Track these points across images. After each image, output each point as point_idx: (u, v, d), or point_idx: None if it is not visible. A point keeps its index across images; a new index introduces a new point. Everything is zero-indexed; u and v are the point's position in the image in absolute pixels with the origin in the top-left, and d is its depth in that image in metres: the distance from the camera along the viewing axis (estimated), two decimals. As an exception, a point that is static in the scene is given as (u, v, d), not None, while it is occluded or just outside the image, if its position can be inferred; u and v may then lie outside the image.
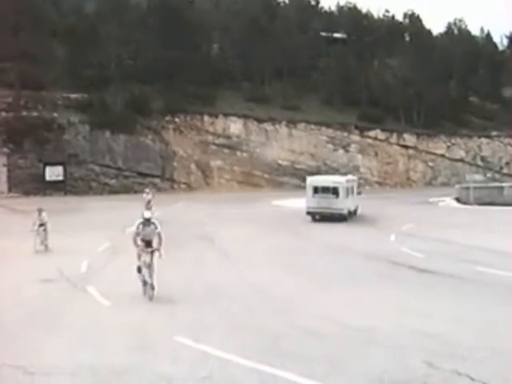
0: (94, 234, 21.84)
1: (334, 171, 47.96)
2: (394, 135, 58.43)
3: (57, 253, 17.70)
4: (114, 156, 48.00)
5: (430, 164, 59.69)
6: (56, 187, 44.16)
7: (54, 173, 44.42)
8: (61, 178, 44.70)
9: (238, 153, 52.40)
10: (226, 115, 52.33)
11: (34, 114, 45.21)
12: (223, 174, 51.64)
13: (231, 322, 9.40)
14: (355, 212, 30.04)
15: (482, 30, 74.26)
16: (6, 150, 44.24)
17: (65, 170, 44.91)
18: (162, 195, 44.44)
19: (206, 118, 51.82)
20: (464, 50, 63.69)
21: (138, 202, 33.53)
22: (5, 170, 44.00)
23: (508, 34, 70.44)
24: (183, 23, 50.66)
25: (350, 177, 33.16)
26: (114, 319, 9.70)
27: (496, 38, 73.92)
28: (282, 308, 10.59)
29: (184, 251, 17.63)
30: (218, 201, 38.91)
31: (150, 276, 11.53)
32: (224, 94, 52.32)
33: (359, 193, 32.46)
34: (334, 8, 72.96)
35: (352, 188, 30.13)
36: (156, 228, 11.88)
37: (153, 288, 11.45)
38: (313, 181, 29.51)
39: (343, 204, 27.80)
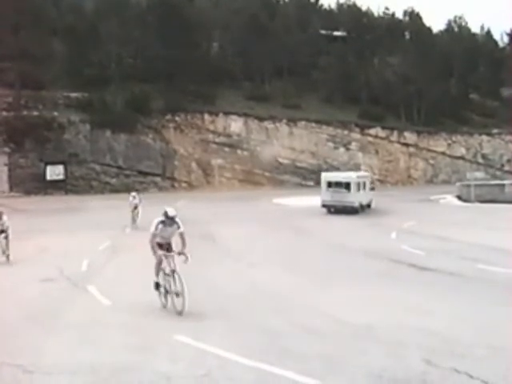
0: (94, 233, 21.87)
1: (335, 170, 47.88)
2: (395, 133, 58.42)
3: (57, 252, 17.70)
4: (115, 155, 48.04)
5: (431, 162, 59.69)
6: (57, 186, 44.21)
7: (54, 172, 44.47)
8: (61, 177, 44.76)
9: (239, 151, 52.41)
10: (226, 114, 52.36)
11: (35, 113, 45.25)
12: (224, 173, 51.65)
13: (231, 321, 9.40)
14: (369, 206, 32.08)
15: (482, 27, 74.35)
16: (6, 149, 44.31)
17: (65, 169, 44.96)
18: (163, 194, 44.57)
19: (206, 116, 51.84)
20: (464, 48, 63.67)
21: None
22: (6, 169, 44.08)
23: (508, 31, 70.37)
24: (183, 22, 50.68)
25: (362, 173, 35.93)
26: (114, 318, 9.71)
27: (496, 36, 73.97)
28: (281, 306, 10.58)
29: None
30: (218, 199, 38.94)
31: (180, 283, 9.78)
32: (224, 93, 52.32)
33: (373, 188, 34.39)
34: (333, 6, 73.16)
35: (364, 183, 32.07)
36: (179, 227, 10.28)
37: (178, 295, 9.79)
38: (327, 176, 32.16)
39: (354, 197, 30.01)
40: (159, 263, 10.26)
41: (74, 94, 47.54)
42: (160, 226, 10.17)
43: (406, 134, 58.78)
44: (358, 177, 32.21)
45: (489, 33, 73.62)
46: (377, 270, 14.80)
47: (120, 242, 20.09)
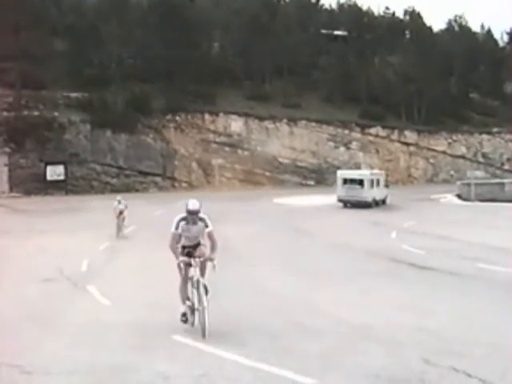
0: (94, 233, 21.86)
1: (336, 169, 47.88)
2: (395, 132, 58.46)
3: (57, 252, 17.69)
4: (115, 155, 48.07)
5: (431, 161, 59.69)
6: (57, 186, 44.23)
7: (55, 172, 44.48)
8: (62, 177, 44.77)
9: (239, 151, 52.43)
10: (226, 113, 52.39)
11: (35, 113, 45.26)
12: (224, 173, 51.67)
13: (229, 320, 9.40)
14: (384, 201, 34.64)
15: (482, 26, 74.35)
16: (7, 149, 44.32)
17: (66, 170, 44.97)
18: (163, 194, 44.62)
19: (206, 116, 51.86)
20: (465, 47, 63.73)
21: (138, 200, 33.72)
22: (6, 169, 44.09)
23: (508, 30, 70.56)
24: (184, 22, 50.74)
25: (375, 171, 38.71)
26: (114, 318, 9.69)
27: (497, 35, 73.95)
28: (281, 305, 10.58)
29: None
30: (219, 199, 38.86)
31: (204, 297, 8.06)
32: (224, 93, 52.34)
33: (387, 186, 36.83)
34: (334, 5, 73.31)
35: (378, 180, 34.70)
36: (207, 226, 8.21)
37: (196, 310, 8.19)
38: (342, 174, 35.17)
39: (368, 193, 32.74)
40: (184, 280, 8.29)
41: (74, 94, 47.56)
42: (182, 223, 8.18)
43: (407, 133, 58.81)
44: (372, 174, 34.81)
45: (489, 32, 73.60)
46: (377, 269, 14.80)
47: (120, 243, 20.11)
